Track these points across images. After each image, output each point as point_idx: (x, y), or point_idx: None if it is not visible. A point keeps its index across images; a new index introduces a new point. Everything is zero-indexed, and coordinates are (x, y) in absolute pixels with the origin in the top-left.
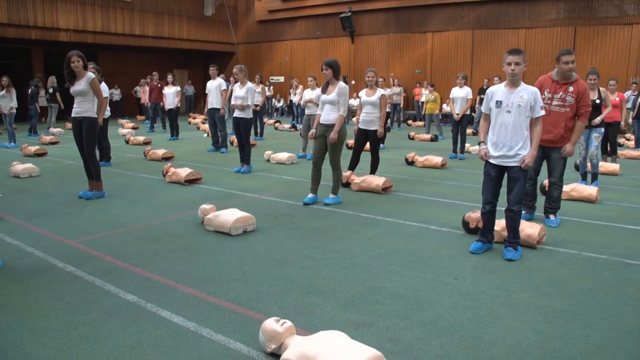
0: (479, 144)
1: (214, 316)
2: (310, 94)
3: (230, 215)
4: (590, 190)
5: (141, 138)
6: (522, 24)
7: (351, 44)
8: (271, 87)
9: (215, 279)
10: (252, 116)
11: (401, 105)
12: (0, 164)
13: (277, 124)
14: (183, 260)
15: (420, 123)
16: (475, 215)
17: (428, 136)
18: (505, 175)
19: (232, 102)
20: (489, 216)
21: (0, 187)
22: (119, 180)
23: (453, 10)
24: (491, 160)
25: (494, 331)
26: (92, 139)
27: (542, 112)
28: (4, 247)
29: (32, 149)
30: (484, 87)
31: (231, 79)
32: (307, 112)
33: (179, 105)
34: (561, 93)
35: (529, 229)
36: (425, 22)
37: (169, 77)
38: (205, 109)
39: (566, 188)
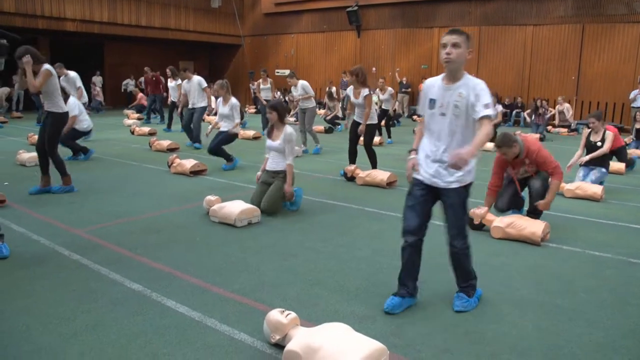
0: (409, 152)
1: (219, 306)
2: (294, 91)
3: (235, 207)
4: (595, 188)
5: (146, 129)
6: (530, 20)
7: (357, 38)
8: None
9: (220, 269)
10: (235, 132)
11: (392, 111)
12: (7, 153)
13: None
14: (188, 250)
15: None
16: (479, 212)
17: None
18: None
19: (217, 121)
20: (410, 253)
21: (6, 175)
22: (124, 170)
23: (460, 6)
24: (417, 176)
25: (497, 327)
26: (54, 135)
27: (486, 112)
28: (11, 235)
29: None
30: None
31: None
32: (300, 105)
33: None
34: (520, 170)
35: (532, 226)
36: (432, 17)
37: (168, 71)
38: (180, 109)
39: (571, 186)
